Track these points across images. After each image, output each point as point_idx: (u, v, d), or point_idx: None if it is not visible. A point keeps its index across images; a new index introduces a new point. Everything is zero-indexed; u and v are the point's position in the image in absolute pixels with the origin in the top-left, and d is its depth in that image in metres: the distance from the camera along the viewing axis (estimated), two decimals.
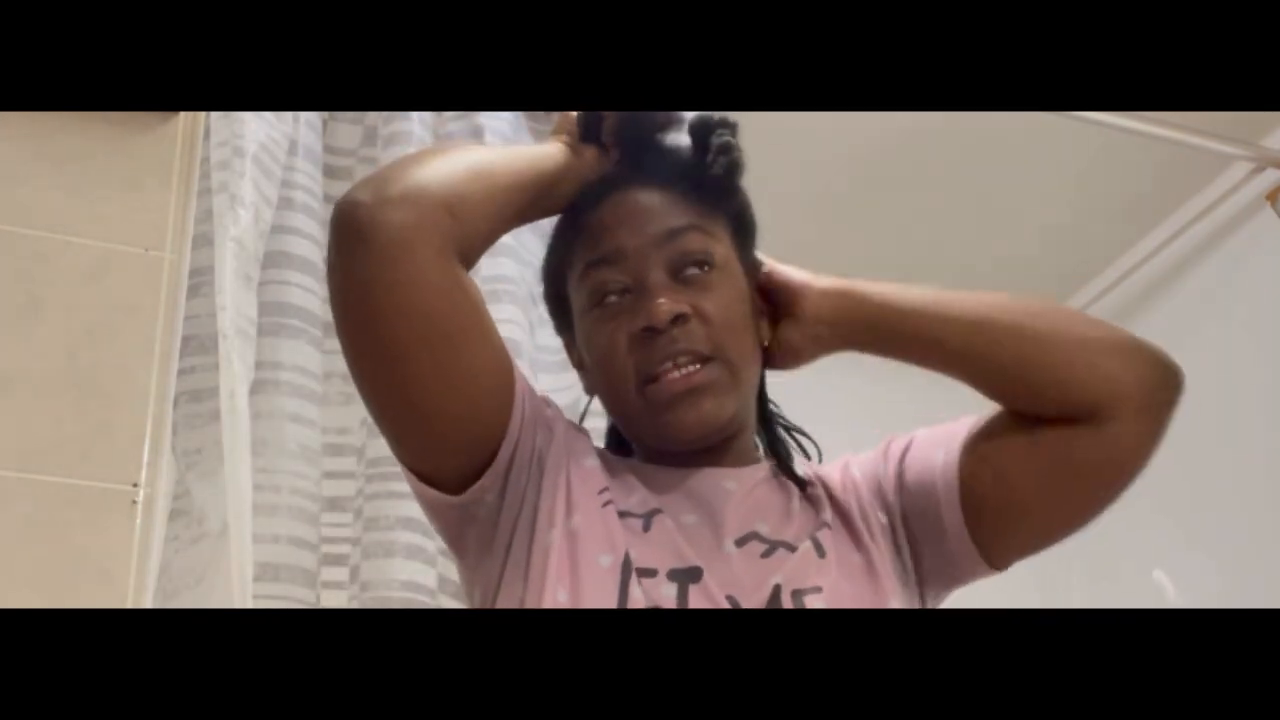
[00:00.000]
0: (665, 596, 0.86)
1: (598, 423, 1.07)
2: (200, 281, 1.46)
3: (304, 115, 1.59)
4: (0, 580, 1.28)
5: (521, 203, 0.96)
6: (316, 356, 1.48)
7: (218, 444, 1.32)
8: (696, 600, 0.86)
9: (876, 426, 1.09)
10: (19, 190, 1.47)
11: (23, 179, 1.47)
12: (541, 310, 1.12)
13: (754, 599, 0.87)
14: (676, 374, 0.92)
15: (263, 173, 1.46)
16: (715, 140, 1.01)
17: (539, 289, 1.08)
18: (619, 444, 1.04)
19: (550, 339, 1.37)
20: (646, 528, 0.91)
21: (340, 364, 1.49)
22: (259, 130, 1.48)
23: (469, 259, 0.90)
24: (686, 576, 0.88)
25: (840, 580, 0.90)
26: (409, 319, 0.85)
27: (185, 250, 1.49)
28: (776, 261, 1.04)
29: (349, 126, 1.68)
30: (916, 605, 0.95)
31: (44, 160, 1.49)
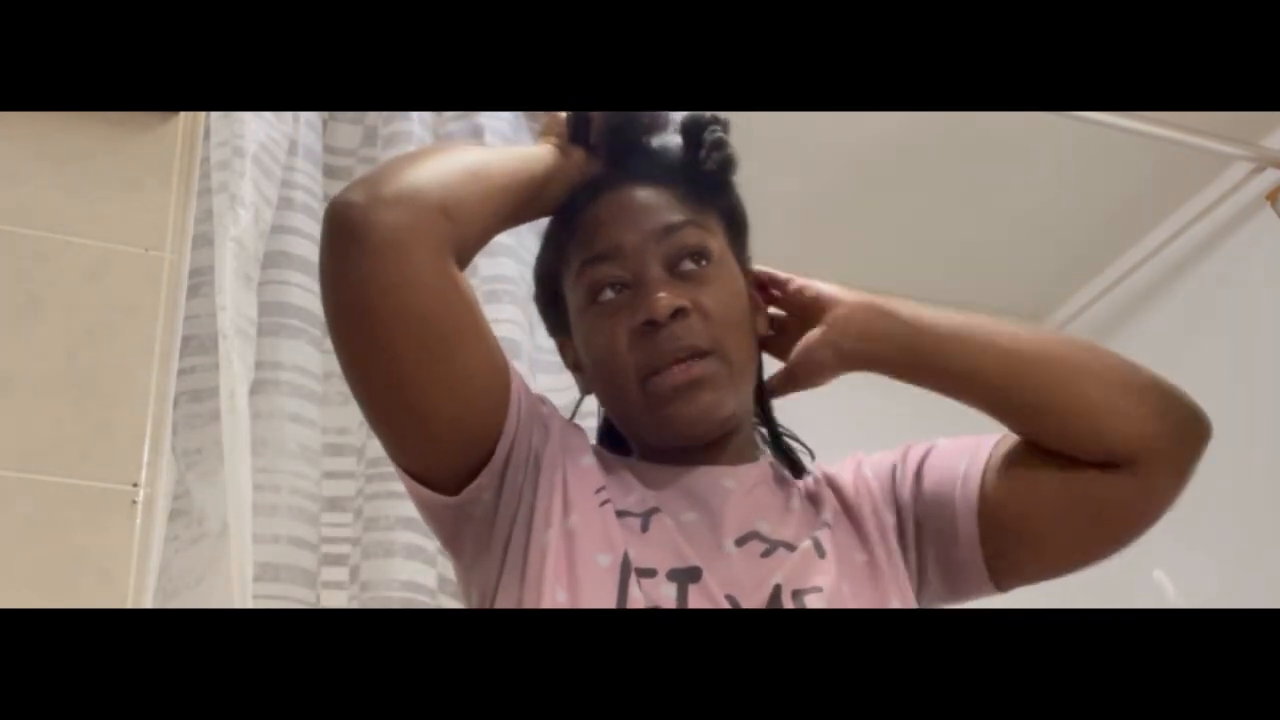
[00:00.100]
0: (665, 597, 0.86)
1: (589, 423, 1.07)
2: (200, 281, 1.46)
3: (304, 115, 1.59)
4: (0, 580, 1.28)
5: (514, 204, 0.96)
6: (316, 356, 1.48)
7: (218, 444, 1.32)
8: (696, 600, 0.86)
9: (885, 438, 1.08)
10: (19, 190, 1.47)
11: (23, 179, 1.47)
12: None
13: (754, 599, 0.87)
14: (676, 368, 0.92)
15: (263, 173, 1.47)
16: (708, 136, 1.01)
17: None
18: (612, 443, 1.04)
19: (549, 339, 1.37)
20: (645, 527, 0.91)
21: None
22: (259, 130, 1.48)
23: (463, 260, 0.90)
24: (686, 576, 0.87)
25: (840, 580, 0.89)
26: (404, 320, 0.85)
27: (185, 250, 1.49)
28: (775, 269, 1.04)
29: (349, 126, 1.68)
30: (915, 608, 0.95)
31: (44, 160, 1.49)
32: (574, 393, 1.07)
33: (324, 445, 1.47)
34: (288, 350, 1.46)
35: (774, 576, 0.88)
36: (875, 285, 1.03)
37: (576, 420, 1.04)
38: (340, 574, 1.44)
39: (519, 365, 1.23)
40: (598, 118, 1.01)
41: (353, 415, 1.50)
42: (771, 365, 1.03)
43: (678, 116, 1.04)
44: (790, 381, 1.00)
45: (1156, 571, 2.15)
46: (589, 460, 0.95)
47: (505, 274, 1.53)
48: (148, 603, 1.31)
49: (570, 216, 1.00)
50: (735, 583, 0.88)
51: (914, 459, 0.99)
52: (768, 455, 1.04)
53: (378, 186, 0.86)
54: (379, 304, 0.85)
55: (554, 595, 0.86)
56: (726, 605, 0.86)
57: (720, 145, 1.01)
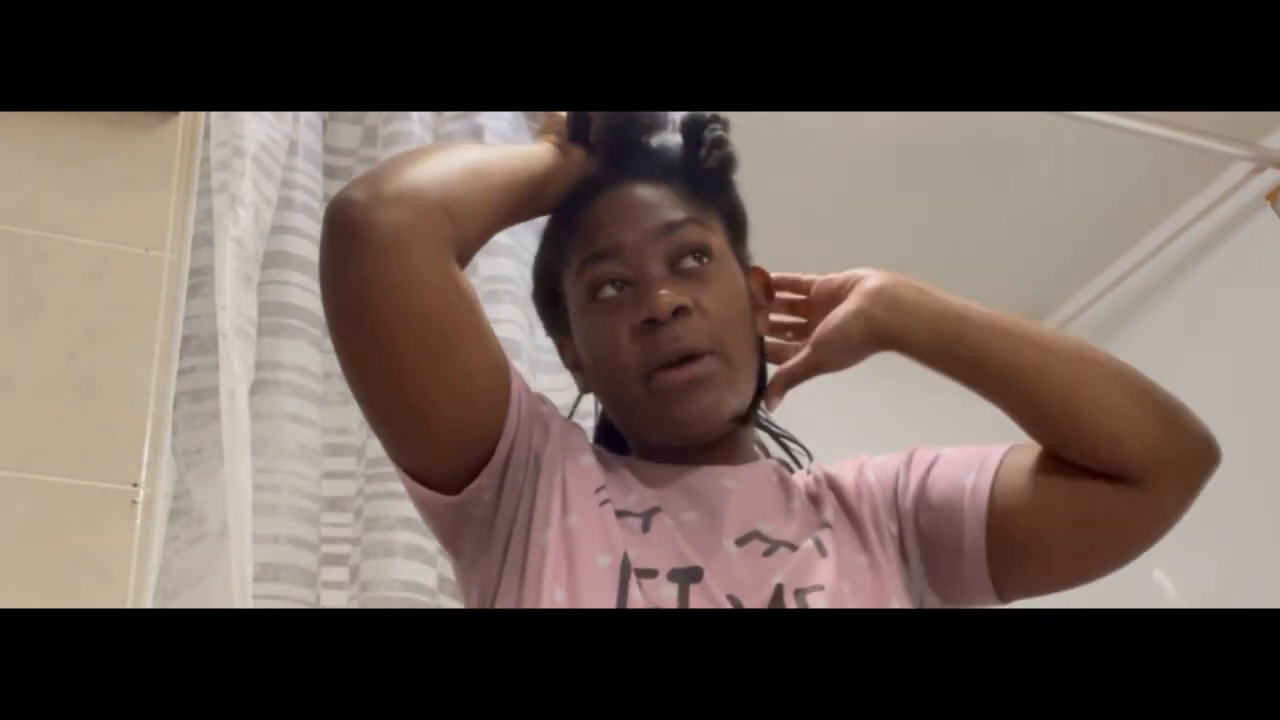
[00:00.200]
0: (665, 597, 0.86)
1: (586, 423, 1.07)
2: (200, 281, 1.46)
3: (304, 115, 1.59)
4: (0, 580, 1.28)
5: (515, 202, 0.96)
6: (316, 356, 1.48)
7: (218, 444, 1.32)
8: (697, 600, 0.86)
9: (885, 438, 1.08)
10: (19, 190, 1.47)
11: (23, 179, 1.47)
12: None
13: (756, 598, 0.87)
14: (677, 369, 0.92)
15: (263, 173, 1.47)
16: (708, 135, 1.01)
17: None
18: (610, 442, 1.04)
19: (548, 338, 1.37)
20: (645, 527, 0.91)
21: None
22: (259, 130, 1.48)
23: (463, 258, 0.90)
24: (687, 576, 0.87)
25: (841, 580, 0.89)
26: (405, 319, 0.85)
27: (185, 250, 1.49)
28: (781, 271, 1.04)
29: (349, 126, 1.68)
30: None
31: (44, 160, 1.49)
32: (573, 393, 1.07)
33: (324, 445, 1.47)
34: (288, 350, 1.46)
35: (775, 576, 0.88)
36: None
37: (574, 420, 1.04)
38: (340, 574, 1.44)
39: (519, 365, 1.23)
40: (598, 116, 1.01)
41: (353, 415, 1.50)
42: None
43: (677, 116, 1.04)
44: (814, 363, 0.98)
45: (1156, 571, 2.15)
46: (589, 460, 0.95)
47: (505, 274, 1.53)
48: (148, 603, 1.31)
49: (570, 215, 1.00)
50: (737, 582, 0.88)
51: (919, 468, 0.98)
52: (768, 455, 1.04)
53: (379, 185, 0.86)
54: (380, 302, 0.84)
55: (553, 595, 0.86)
56: (728, 605, 0.86)
57: (721, 144, 1.01)
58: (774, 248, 1.07)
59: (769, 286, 1.04)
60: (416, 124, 1.59)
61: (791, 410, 1.07)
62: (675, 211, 0.97)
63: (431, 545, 1.40)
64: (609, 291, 0.95)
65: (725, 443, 0.97)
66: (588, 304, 0.97)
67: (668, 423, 0.94)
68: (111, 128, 1.52)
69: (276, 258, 1.49)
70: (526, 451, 0.93)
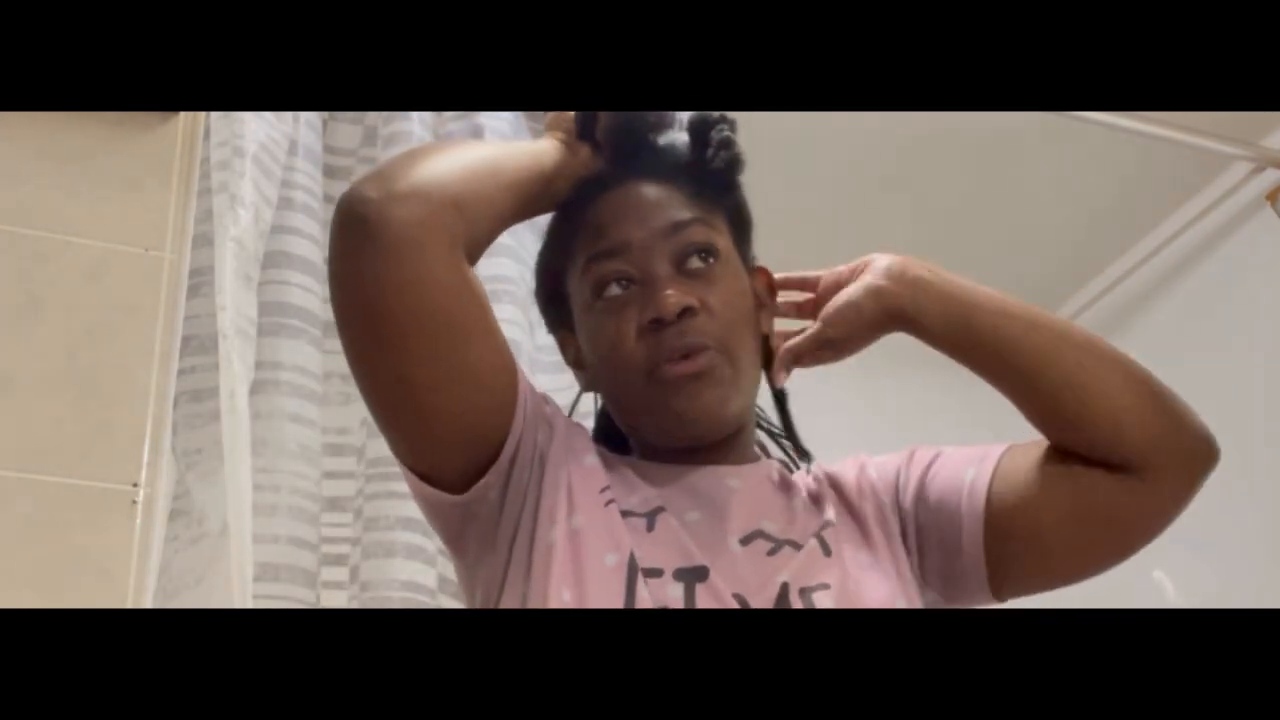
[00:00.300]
0: (672, 597, 0.86)
1: (585, 423, 1.07)
2: (200, 281, 1.46)
3: (304, 115, 1.59)
4: (0, 580, 1.28)
5: (523, 200, 0.95)
6: (316, 356, 1.48)
7: (218, 444, 1.32)
8: (704, 600, 0.86)
9: (887, 439, 1.08)
10: (19, 190, 1.47)
11: (23, 179, 1.47)
12: None
13: (761, 597, 0.87)
14: (681, 361, 0.92)
15: (263, 173, 1.47)
16: (715, 135, 1.01)
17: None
18: (610, 442, 1.04)
19: (549, 338, 1.36)
20: (650, 527, 0.91)
21: (340, 364, 1.49)
22: (259, 130, 1.48)
23: (473, 256, 0.90)
24: (693, 576, 0.87)
25: (846, 579, 0.89)
26: (417, 317, 0.85)
27: (185, 250, 1.49)
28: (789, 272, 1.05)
29: (349, 126, 1.68)
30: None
31: (44, 160, 1.49)
32: (571, 393, 1.07)
33: (324, 445, 1.47)
34: (288, 350, 1.45)
35: (781, 575, 0.88)
36: None
37: (573, 419, 1.04)
38: (340, 574, 1.44)
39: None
40: (605, 115, 1.01)
41: (353, 415, 1.50)
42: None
43: (684, 116, 1.04)
44: (823, 339, 0.97)
45: (1156, 571, 2.15)
46: (593, 460, 0.95)
47: (505, 274, 1.53)
48: (148, 603, 1.31)
49: (576, 212, 1.00)
50: (742, 581, 0.88)
51: (919, 466, 0.99)
52: (768, 455, 1.05)
53: (391, 181, 0.86)
54: (391, 301, 0.84)
55: (560, 595, 0.85)
56: (734, 604, 0.86)
57: (728, 144, 1.01)
58: (772, 248, 1.07)
59: (772, 287, 1.04)
60: (416, 124, 1.59)
61: (793, 411, 1.07)
62: (682, 211, 0.97)
63: (431, 545, 1.40)
64: (614, 290, 0.95)
65: (727, 443, 0.97)
66: (593, 302, 0.96)
67: (671, 418, 0.94)
68: (111, 128, 1.52)
69: (276, 258, 1.49)
70: (532, 451, 0.93)
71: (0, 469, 1.34)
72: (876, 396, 2.04)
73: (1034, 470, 0.94)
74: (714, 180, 1.01)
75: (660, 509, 0.92)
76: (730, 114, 1.03)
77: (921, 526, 0.96)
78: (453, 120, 1.64)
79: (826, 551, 0.91)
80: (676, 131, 1.04)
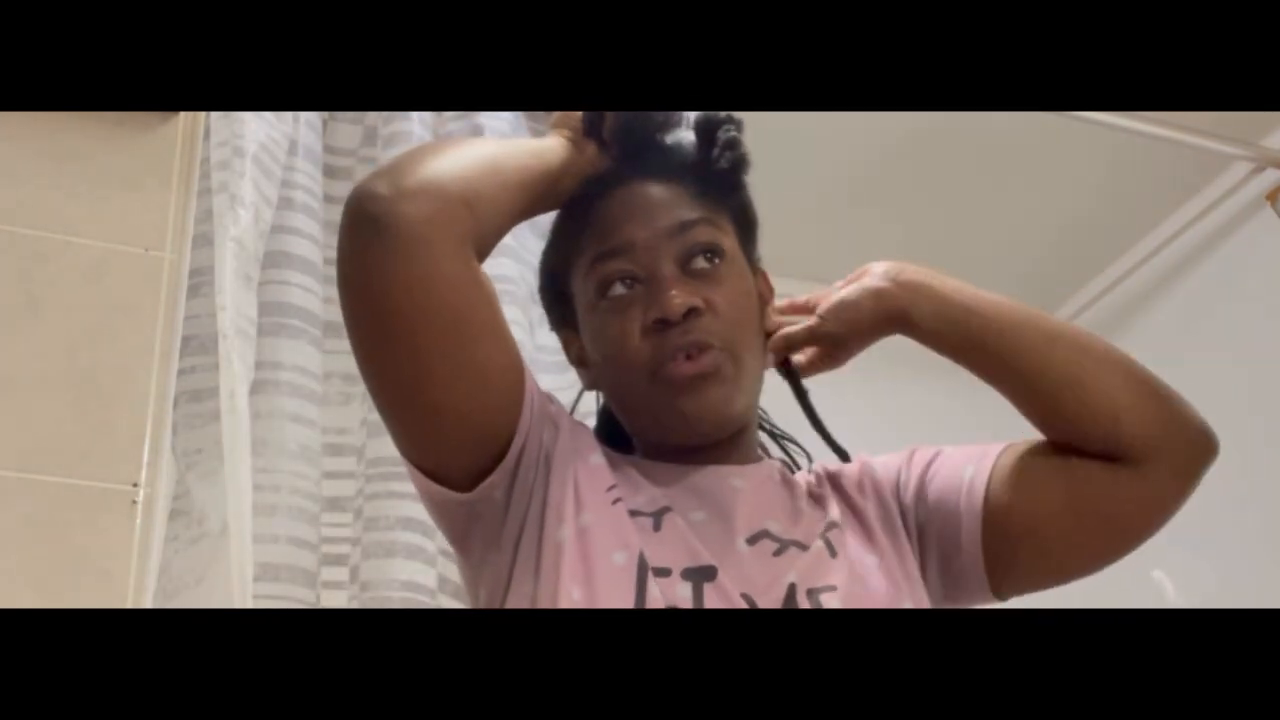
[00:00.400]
0: (680, 596, 0.86)
1: (587, 422, 1.07)
2: (200, 281, 1.46)
3: (304, 115, 1.59)
4: (0, 580, 1.28)
5: (530, 198, 0.95)
6: (316, 356, 1.48)
7: (218, 444, 1.32)
8: (712, 599, 0.86)
9: (888, 439, 1.09)
10: (19, 190, 1.47)
11: (23, 179, 1.47)
12: (542, 310, 1.11)
13: (769, 598, 0.87)
14: (686, 361, 0.92)
15: (263, 173, 1.47)
16: (721, 135, 1.01)
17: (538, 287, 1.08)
18: (611, 441, 1.04)
19: (550, 339, 1.36)
20: (657, 526, 0.91)
21: (340, 364, 1.50)
22: (259, 130, 1.48)
23: (482, 254, 0.89)
24: (701, 575, 0.87)
25: (852, 580, 0.90)
26: (426, 315, 0.85)
27: (185, 250, 1.49)
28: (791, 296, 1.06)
29: (349, 126, 1.68)
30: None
31: (44, 160, 1.49)
32: (574, 393, 1.07)
33: (324, 445, 1.47)
34: (288, 350, 1.45)
35: (788, 575, 0.88)
36: None
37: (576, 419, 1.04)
38: (340, 574, 1.44)
39: None
40: (612, 113, 1.01)
41: (353, 415, 1.50)
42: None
43: (691, 115, 1.04)
44: (821, 333, 1.00)
45: (1156, 571, 2.15)
46: (598, 459, 0.95)
47: (505, 274, 1.53)
48: (148, 603, 1.31)
49: (581, 211, 0.99)
50: (750, 582, 0.88)
51: (919, 465, 0.99)
52: (770, 456, 1.05)
53: (401, 178, 0.85)
54: (401, 298, 0.84)
55: (570, 594, 0.85)
56: (742, 604, 0.86)
57: (734, 144, 1.01)
58: (773, 249, 1.07)
59: (769, 288, 1.05)
60: (416, 124, 1.59)
61: (793, 411, 1.07)
62: (688, 211, 0.97)
63: (431, 545, 1.40)
64: (619, 289, 0.95)
65: (730, 443, 0.97)
66: (597, 301, 0.96)
67: (676, 417, 0.94)
68: (111, 128, 1.52)
69: (276, 258, 1.49)
70: (538, 450, 0.93)
71: (0, 469, 1.34)
72: (877, 398, 2.04)
73: (1032, 467, 0.95)
74: (719, 180, 1.01)
75: (667, 509, 0.92)
76: (739, 114, 1.03)
77: (922, 525, 0.96)
78: (453, 120, 1.64)
79: (833, 552, 0.91)
80: (683, 131, 1.04)
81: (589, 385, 1.04)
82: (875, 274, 0.99)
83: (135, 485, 1.37)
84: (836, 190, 2.27)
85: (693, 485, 0.95)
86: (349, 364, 1.48)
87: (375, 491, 1.42)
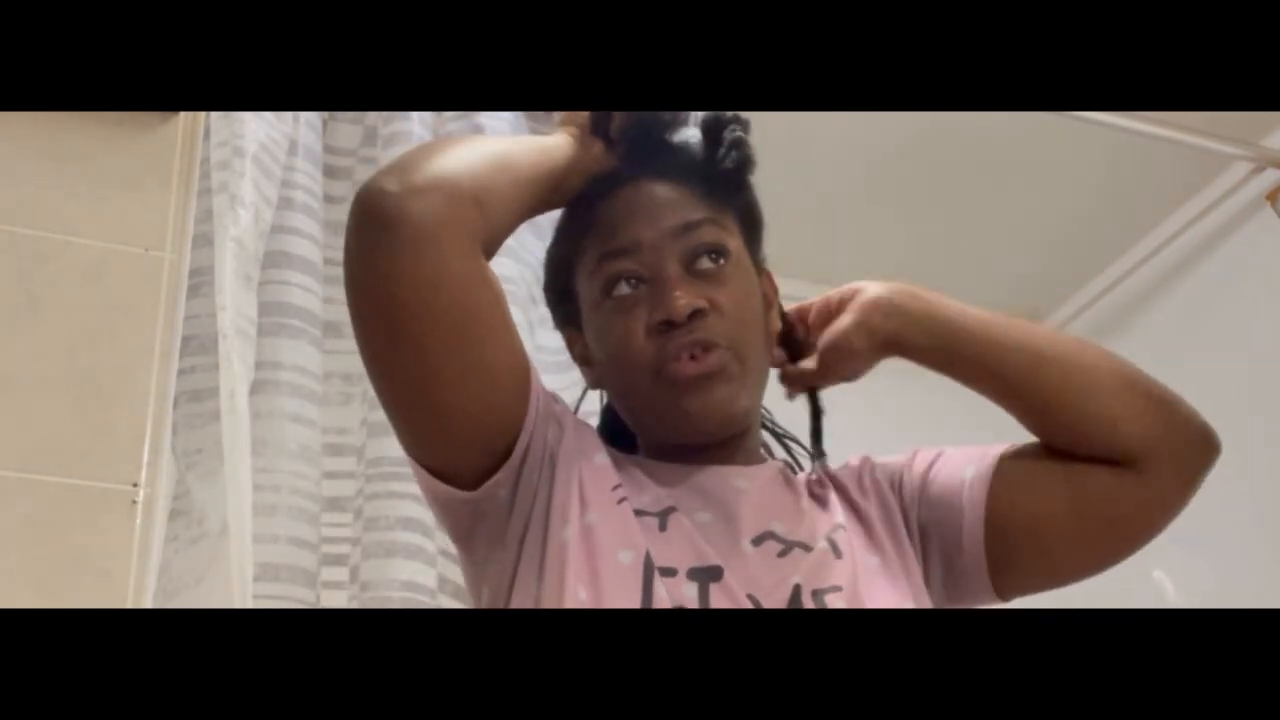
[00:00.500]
0: (687, 596, 0.86)
1: (590, 422, 1.07)
2: (200, 281, 1.46)
3: (304, 115, 1.59)
4: (0, 580, 1.28)
5: (537, 195, 0.95)
6: (316, 356, 1.48)
7: (218, 444, 1.32)
8: (718, 600, 0.86)
9: (888, 439, 1.09)
10: (19, 190, 1.47)
11: (23, 179, 1.47)
12: (541, 310, 1.11)
13: (774, 598, 0.87)
14: (691, 361, 0.92)
15: (263, 173, 1.47)
16: (728, 135, 1.01)
17: (538, 289, 1.08)
18: (613, 441, 1.04)
19: (549, 339, 1.37)
20: (663, 527, 0.91)
21: (340, 364, 1.50)
22: (259, 130, 1.48)
23: (489, 252, 0.89)
24: (707, 576, 0.87)
25: (857, 581, 0.90)
26: (435, 314, 0.84)
27: (185, 250, 1.49)
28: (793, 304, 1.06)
29: (349, 126, 1.68)
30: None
31: (44, 160, 1.49)
32: (574, 393, 1.07)
33: (324, 445, 1.47)
34: (288, 350, 1.45)
35: (793, 576, 0.88)
36: None
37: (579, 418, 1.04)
38: (340, 574, 1.44)
39: None
40: (619, 112, 1.01)
41: (353, 415, 1.50)
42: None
43: (697, 115, 1.04)
44: (822, 373, 1.02)
45: (1156, 571, 2.15)
46: (603, 458, 0.95)
47: (505, 274, 1.51)
48: (148, 603, 1.31)
49: (587, 209, 0.99)
50: (755, 582, 0.88)
51: (920, 466, 0.99)
52: (772, 456, 1.05)
53: (410, 175, 0.85)
54: (409, 296, 0.84)
55: (576, 593, 0.85)
56: (748, 605, 0.86)
57: (740, 144, 1.01)
58: (774, 249, 1.07)
59: (792, 325, 1.06)
60: (416, 124, 1.59)
61: (793, 412, 1.07)
62: (693, 211, 0.97)
63: (431, 545, 1.40)
64: (624, 289, 0.95)
65: (733, 443, 0.97)
66: (601, 300, 0.96)
67: (680, 416, 0.93)
68: (111, 128, 1.52)
69: (276, 258, 1.49)
70: (543, 449, 0.93)
71: (0, 469, 1.34)
72: (878, 398, 2.03)
73: (1034, 468, 0.95)
74: (725, 180, 1.01)
75: (672, 509, 0.92)
76: (745, 114, 1.03)
77: (924, 526, 0.96)
78: (453, 120, 1.64)
79: (838, 553, 0.91)
80: (689, 130, 1.04)
81: (592, 384, 1.04)
82: (863, 305, 0.99)
83: (135, 485, 1.37)
84: (837, 190, 2.27)
85: (696, 486, 0.95)
86: (349, 364, 1.50)
87: (375, 491, 1.42)
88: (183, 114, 1.57)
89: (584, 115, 1.01)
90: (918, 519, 0.97)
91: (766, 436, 1.07)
